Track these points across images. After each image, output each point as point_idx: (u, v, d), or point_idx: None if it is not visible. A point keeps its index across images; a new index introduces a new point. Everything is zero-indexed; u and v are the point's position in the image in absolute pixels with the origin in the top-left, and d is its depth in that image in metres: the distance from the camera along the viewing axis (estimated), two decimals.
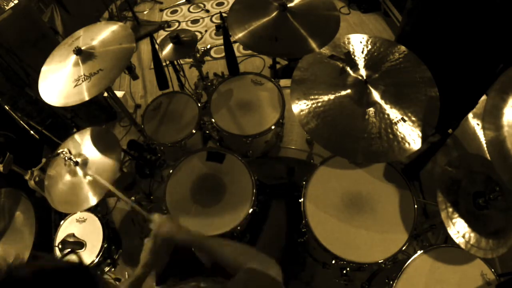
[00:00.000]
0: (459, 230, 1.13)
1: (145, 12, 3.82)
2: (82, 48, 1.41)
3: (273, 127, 1.63)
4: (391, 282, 1.18)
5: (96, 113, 2.57)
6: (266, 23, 1.42)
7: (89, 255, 1.46)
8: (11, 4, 2.03)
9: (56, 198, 1.41)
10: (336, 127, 1.18)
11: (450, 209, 1.15)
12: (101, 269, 1.56)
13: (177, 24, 3.59)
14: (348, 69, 1.29)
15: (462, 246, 1.11)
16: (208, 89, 2.18)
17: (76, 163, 1.41)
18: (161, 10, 3.80)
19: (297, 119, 1.21)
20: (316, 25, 1.40)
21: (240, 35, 1.41)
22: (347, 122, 1.18)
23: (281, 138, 1.90)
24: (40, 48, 2.16)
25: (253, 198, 1.38)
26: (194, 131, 1.70)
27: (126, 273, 1.65)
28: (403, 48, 1.31)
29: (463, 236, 1.12)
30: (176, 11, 3.78)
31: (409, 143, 1.13)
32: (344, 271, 1.27)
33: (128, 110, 2.04)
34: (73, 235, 1.49)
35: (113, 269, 1.61)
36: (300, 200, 1.34)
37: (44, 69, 1.46)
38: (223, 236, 1.31)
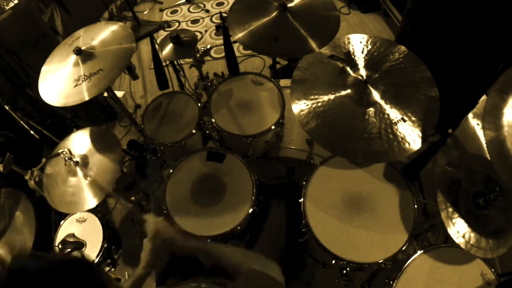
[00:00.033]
0: (459, 230, 1.13)
1: (145, 12, 3.82)
2: (82, 48, 1.41)
3: (273, 127, 1.63)
4: (391, 282, 1.18)
5: (96, 113, 2.58)
6: (266, 23, 1.42)
7: (89, 255, 1.46)
8: (11, 4, 2.03)
9: (56, 198, 1.41)
10: (336, 127, 1.18)
11: (450, 209, 1.15)
12: (101, 269, 1.56)
13: (177, 24, 3.59)
14: (348, 69, 1.29)
15: (462, 246, 1.11)
16: (208, 89, 2.18)
17: (77, 163, 1.41)
18: (161, 10, 3.80)
19: (297, 119, 1.21)
20: (316, 25, 1.40)
21: (240, 35, 1.41)
22: (347, 122, 1.18)
23: (281, 138, 1.90)
24: (40, 48, 2.17)
25: (253, 198, 1.38)
26: (194, 131, 1.70)
27: (126, 273, 1.65)
28: (403, 48, 1.31)
29: (463, 236, 1.12)
30: (176, 11, 3.78)
31: (409, 143, 1.13)
32: (344, 271, 1.27)
33: (128, 110, 2.04)
34: (73, 235, 1.49)
35: (113, 269, 1.61)
36: (300, 200, 1.34)
37: (44, 69, 1.46)
38: (223, 236, 1.31)
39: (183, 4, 3.83)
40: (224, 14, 1.74)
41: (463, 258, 1.20)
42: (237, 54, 2.12)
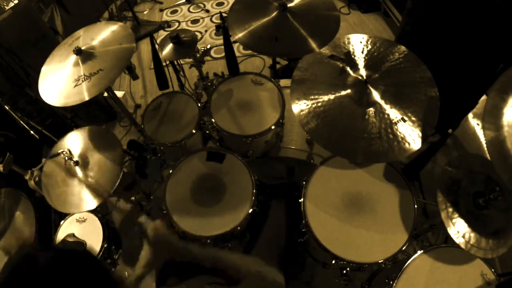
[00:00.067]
0: (459, 230, 1.13)
1: (145, 12, 3.82)
2: (82, 48, 1.40)
3: (273, 127, 1.63)
4: (391, 282, 1.18)
5: (96, 113, 2.58)
6: (266, 23, 1.42)
7: None
8: (11, 4, 2.03)
9: (55, 197, 1.41)
10: (336, 127, 1.18)
11: (450, 209, 1.15)
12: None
13: (177, 24, 3.59)
14: (348, 69, 1.29)
15: (462, 246, 1.11)
16: (208, 89, 2.18)
17: (76, 163, 1.41)
18: (161, 10, 3.80)
19: (297, 119, 1.21)
20: (316, 25, 1.40)
21: (240, 35, 1.41)
22: (347, 122, 1.18)
23: (281, 138, 1.90)
24: (40, 48, 2.17)
25: (253, 198, 1.38)
26: (194, 131, 1.70)
27: (126, 273, 1.65)
28: (403, 48, 1.31)
29: (463, 236, 1.12)
30: (176, 11, 3.78)
31: (409, 143, 1.13)
32: (344, 271, 1.27)
33: (128, 110, 2.04)
34: (73, 235, 1.49)
35: (113, 269, 1.61)
36: (300, 200, 1.34)
37: (44, 69, 1.46)
38: (223, 236, 1.31)
39: (183, 4, 3.83)
40: (224, 14, 1.73)
41: (463, 258, 1.20)
42: (237, 54, 2.12)
